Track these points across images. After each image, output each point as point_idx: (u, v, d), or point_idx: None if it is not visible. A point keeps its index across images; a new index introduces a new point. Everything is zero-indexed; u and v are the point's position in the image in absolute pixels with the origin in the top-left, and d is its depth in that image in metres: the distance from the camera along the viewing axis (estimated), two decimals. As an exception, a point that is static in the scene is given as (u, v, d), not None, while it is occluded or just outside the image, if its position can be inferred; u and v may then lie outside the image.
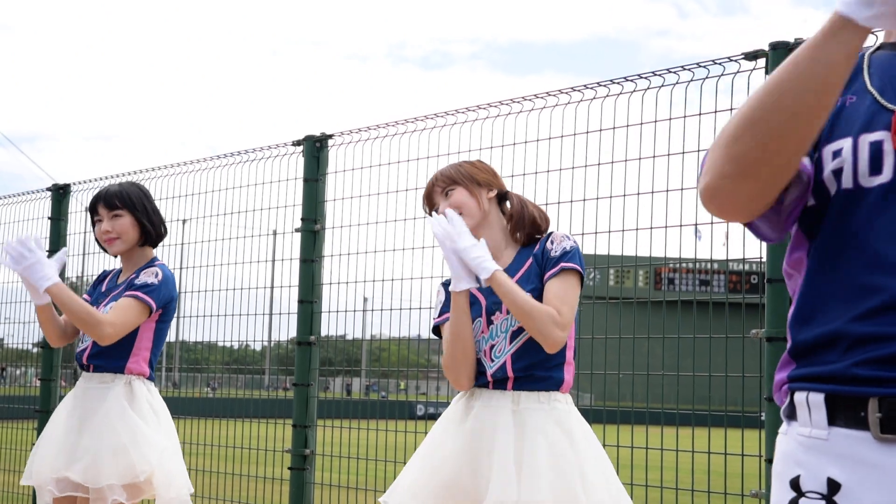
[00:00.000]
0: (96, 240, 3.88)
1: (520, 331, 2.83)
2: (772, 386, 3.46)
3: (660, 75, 3.86)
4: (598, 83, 4.04)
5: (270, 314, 5.80)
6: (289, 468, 4.95)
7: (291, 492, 4.92)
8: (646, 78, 3.89)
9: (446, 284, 3.00)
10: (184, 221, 5.82)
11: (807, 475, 1.39)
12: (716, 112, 3.69)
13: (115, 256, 3.93)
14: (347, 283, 4.98)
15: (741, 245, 3.70)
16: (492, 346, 2.86)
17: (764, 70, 3.56)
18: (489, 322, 2.89)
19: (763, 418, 3.51)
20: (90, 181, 6.30)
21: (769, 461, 3.45)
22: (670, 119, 3.81)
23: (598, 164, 4.01)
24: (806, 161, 1.45)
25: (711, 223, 3.74)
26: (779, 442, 1.49)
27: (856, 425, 1.35)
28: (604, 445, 3.02)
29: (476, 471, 2.77)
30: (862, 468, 1.34)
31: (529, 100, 4.29)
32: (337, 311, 5.10)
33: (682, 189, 3.76)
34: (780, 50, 3.51)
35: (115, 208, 3.78)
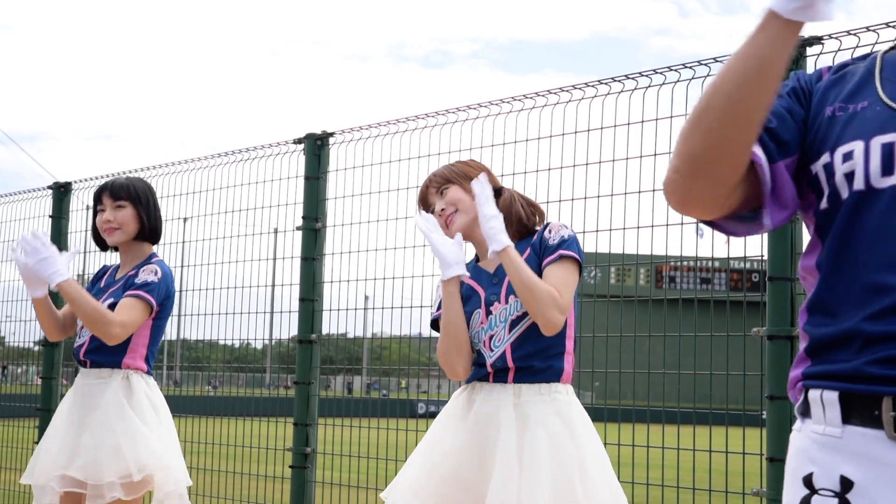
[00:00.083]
0: (93, 230, 3.90)
1: (518, 319, 2.85)
2: (772, 384, 3.47)
3: (661, 73, 3.85)
4: (598, 81, 4.04)
5: (271, 312, 5.80)
6: (290, 466, 4.95)
7: (292, 490, 4.92)
8: (647, 76, 3.88)
9: None
10: (185, 220, 5.82)
11: (820, 472, 1.40)
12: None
13: (108, 250, 3.95)
14: (348, 281, 4.98)
15: (742, 243, 3.70)
16: (491, 336, 2.88)
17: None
18: (488, 312, 2.91)
19: (764, 416, 3.51)
20: (91, 179, 6.30)
21: (770, 459, 3.45)
22: (671, 117, 3.81)
23: (600, 162, 4.01)
24: (760, 156, 1.46)
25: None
26: (792, 439, 1.50)
27: (870, 424, 1.36)
28: (605, 444, 3.02)
29: (480, 466, 2.78)
30: (876, 467, 1.34)
31: (530, 98, 4.29)
32: (338, 310, 5.10)
33: (683, 187, 3.75)
34: (781, 48, 3.51)
35: (120, 199, 3.82)
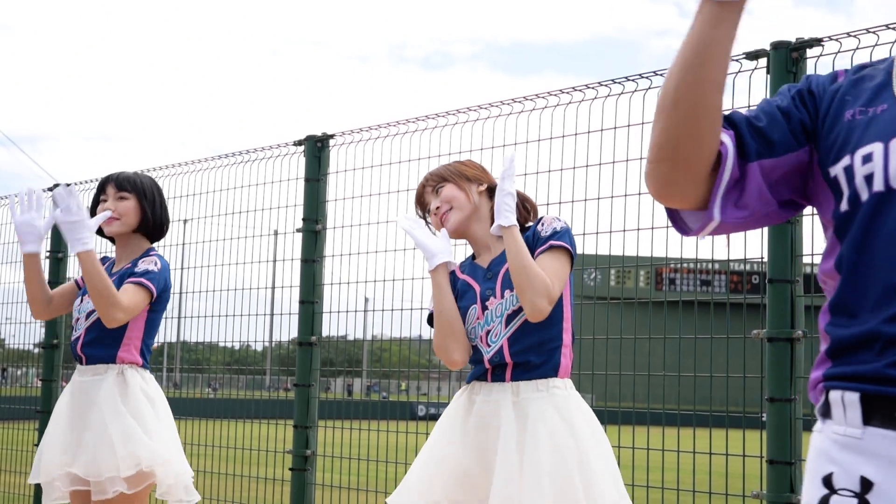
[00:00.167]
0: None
1: (514, 314, 2.86)
2: (772, 386, 3.46)
3: (661, 75, 3.85)
4: (598, 83, 4.04)
5: (271, 314, 5.80)
6: (290, 469, 4.95)
7: (292, 492, 4.92)
8: (647, 77, 3.89)
9: None
10: (185, 221, 5.83)
11: (840, 473, 1.40)
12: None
13: (112, 241, 3.95)
14: (349, 283, 4.98)
15: (742, 245, 3.70)
16: (488, 332, 2.90)
17: (765, 70, 3.56)
18: (484, 308, 2.93)
19: (764, 419, 3.51)
20: (91, 181, 6.29)
21: (770, 462, 3.45)
22: (671, 119, 3.81)
23: (600, 163, 4.01)
24: (729, 147, 1.49)
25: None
26: (812, 439, 1.50)
27: (890, 425, 1.36)
28: (605, 446, 3.01)
29: (482, 466, 2.80)
30: None
31: (530, 100, 4.29)
32: (338, 312, 5.10)
33: (683, 189, 3.75)
34: (781, 50, 3.51)
35: (123, 190, 3.83)
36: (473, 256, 3.10)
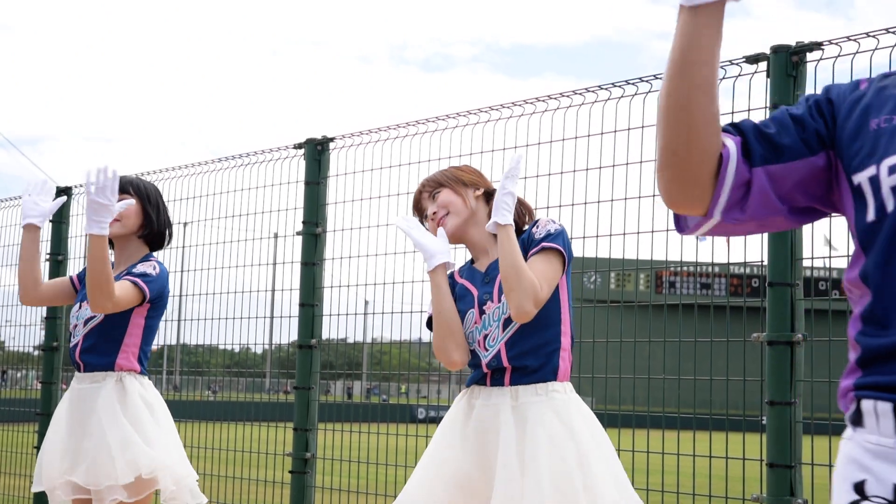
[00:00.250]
0: None
1: (512, 318, 2.85)
2: (772, 390, 3.46)
3: (661, 78, 3.85)
4: (599, 86, 4.04)
5: (271, 317, 5.80)
6: (290, 472, 4.95)
7: (292, 495, 4.92)
8: (647, 81, 3.89)
9: None
10: (185, 224, 5.83)
11: (873, 480, 1.41)
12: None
13: (110, 245, 3.94)
14: (349, 286, 4.99)
15: (742, 248, 3.70)
16: (485, 336, 2.90)
17: (765, 73, 3.56)
18: (481, 312, 2.93)
19: (764, 422, 3.51)
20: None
21: (770, 465, 3.45)
22: (671, 122, 3.81)
23: (600, 167, 4.01)
24: (731, 150, 1.49)
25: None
26: (842, 445, 1.51)
27: None
28: (605, 449, 3.01)
29: (482, 471, 2.80)
30: None
31: (531, 103, 4.29)
32: (338, 315, 5.10)
33: (683, 192, 3.75)
34: (781, 53, 3.51)
35: (125, 192, 3.81)
36: (472, 261, 3.10)
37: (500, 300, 2.89)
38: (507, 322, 2.87)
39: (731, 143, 1.50)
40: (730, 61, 3.64)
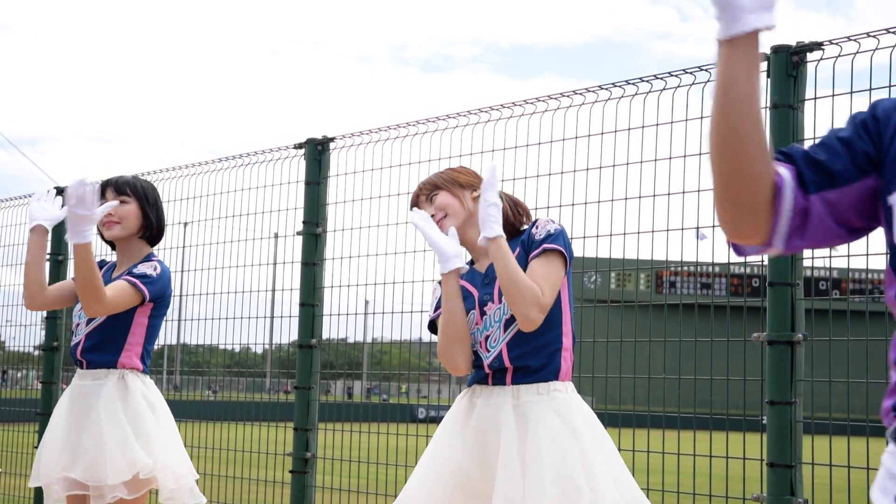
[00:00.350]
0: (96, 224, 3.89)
1: (513, 319, 2.85)
2: (772, 389, 3.47)
3: (661, 78, 3.86)
4: (599, 86, 4.04)
5: (272, 317, 5.81)
6: (290, 471, 4.95)
7: (292, 495, 4.92)
8: (647, 81, 3.89)
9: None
10: (185, 224, 5.83)
11: None
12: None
13: (111, 247, 3.94)
14: (349, 286, 4.99)
15: (743, 248, 3.70)
16: (487, 337, 2.90)
17: (766, 73, 3.56)
18: (482, 313, 2.93)
19: (764, 422, 3.51)
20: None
21: (770, 465, 3.45)
22: (672, 122, 3.82)
23: (600, 167, 4.01)
24: (785, 180, 1.48)
25: (713, 226, 3.74)
26: (884, 460, 1.52)
27: None
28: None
29: (483, 470, 2.80)
30: None
31: (531, 103, 4.29)
32: (338, 315, 5.10)
33: (683, 192, 3.76)
34: (781, 53, 3.52)
35: (123, 194, 3.80)
36: (472, 262, 3.10)
37: (500, 301, 2.89)
38: (509, 323, 2.87)
39: (785, 171, 1.48)
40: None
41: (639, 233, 3.89)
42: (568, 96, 4.16)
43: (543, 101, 4.25)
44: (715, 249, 3.94)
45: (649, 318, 4.10)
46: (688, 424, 3.93)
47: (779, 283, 3.48)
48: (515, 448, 2.73)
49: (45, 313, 6.49)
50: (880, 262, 3.46)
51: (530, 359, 2.83)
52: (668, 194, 3.81)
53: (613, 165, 3.97)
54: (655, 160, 3.85)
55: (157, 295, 3.76)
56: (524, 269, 2.86)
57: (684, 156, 3.76)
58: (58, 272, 6.37)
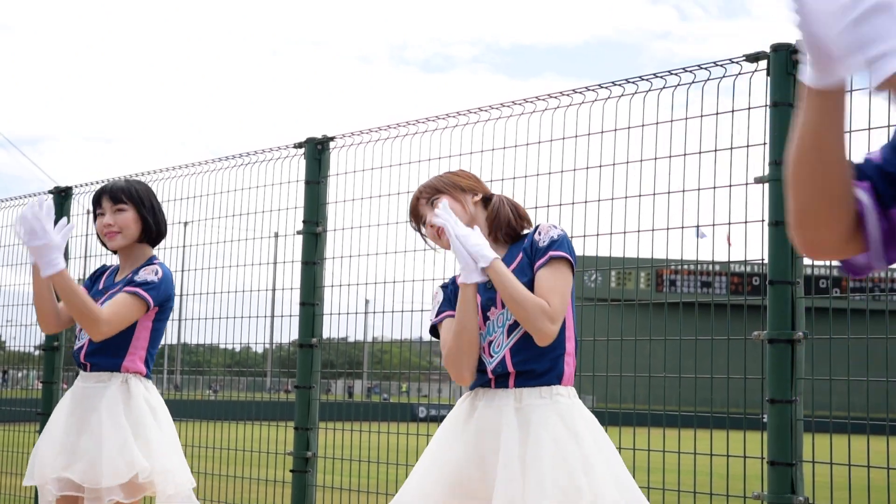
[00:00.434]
0: (97, 234, 3.88)
1: (516, 325, 2.85)
2: (773, 388, 3.47)
3: (661, 77, 3.86)
4: (599, 85, 4.04)
5: (272, 316, 5.81)
6: (290, 470, 4.95)
7: (293, 494, 4.92)
8: (647, 80, 3.89)
9: (445, 287, 3.06)
10: (185, 224, 5.83)
11: None
12: (717, 114, 3.69)
13: (114, 252, 3.93)
14: (349, 285, 4.99)
15: (743, 247, 3.70)
16: (490, 342, 2.89)
17: (765, 72, 3.57)
18: (485, 318, 2.92)
19: (765, 420, 3.51)
20: (91, 184, 6.30)
21: (771, 463, 3.46)
22: (671, 121, 3.82)
23: (600, 166, 4.01)
24: (865, 203, 1.47)
25: (713, 225, 3.74)
26: None
27: None
28: (606, 447, 3.02)
29: (483, 472, 2.79)
30: None
31: (531, 102, 4.29)
32: (339, 314, 5.11)
33: (683, 191, 3.77)
34: (781, 52, 3.52)
35: (120, 202, 3.77)
36: None
37: (503, 306, 2.87)
38: (512, 328, 2.86)
39: (863, 194, 1.48)
40: (730, 60, 3.64)
41: (639, 231, 3.89)
42: (568, 95, 4.16)
43: (543, 99, 4.25)
44: (715, 248, 3.94)
45: (649, 317, 4.10)
46: (688, 423, 3.93)
47: (779, 282, 3.48)
48: (516, 449, 2.73)
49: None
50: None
51: (534, 363, 2.83)
52: (668, 193, 3.81)
53: (613, 164, 3.97)
54: (655, 159, 3.85)
55: (161, 300, 3.74)
56: (531, 277, 2.85)
57: (684, 154, 3.76)
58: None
